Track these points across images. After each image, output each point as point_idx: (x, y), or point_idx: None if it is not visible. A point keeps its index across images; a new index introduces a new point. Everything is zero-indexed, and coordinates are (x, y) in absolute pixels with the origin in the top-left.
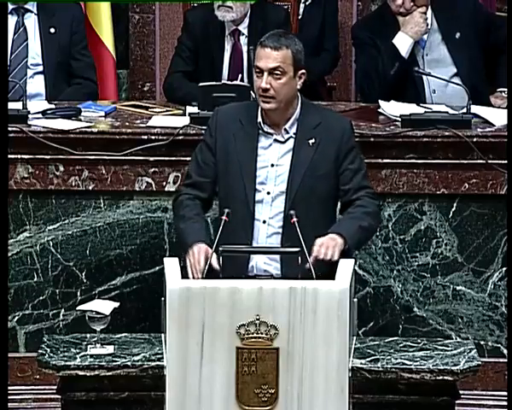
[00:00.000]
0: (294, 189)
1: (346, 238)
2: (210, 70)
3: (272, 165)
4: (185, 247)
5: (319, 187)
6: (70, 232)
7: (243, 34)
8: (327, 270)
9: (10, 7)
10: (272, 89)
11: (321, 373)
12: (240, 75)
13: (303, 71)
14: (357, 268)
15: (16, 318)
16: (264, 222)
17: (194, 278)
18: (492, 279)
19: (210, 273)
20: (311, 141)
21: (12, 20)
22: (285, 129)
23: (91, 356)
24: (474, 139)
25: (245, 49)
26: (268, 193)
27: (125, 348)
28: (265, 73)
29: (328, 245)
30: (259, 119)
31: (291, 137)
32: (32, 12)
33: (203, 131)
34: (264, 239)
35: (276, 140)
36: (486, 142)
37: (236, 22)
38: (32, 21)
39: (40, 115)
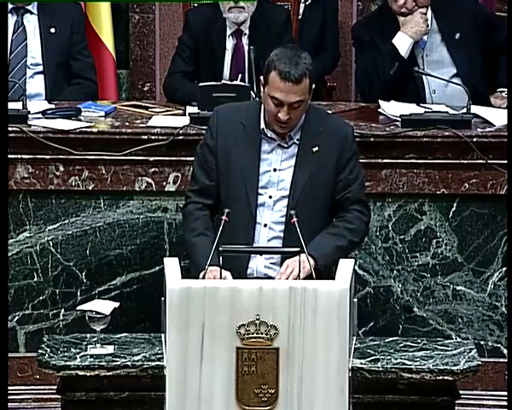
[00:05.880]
0: (297, 194)
1: (317, 260)
2: (211, 70)
3: (275, 170)
4: (197, 266)
5: (320, 194)
6: (70, 232)
7: (245, 34)
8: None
9: (10, 6)
10: (291, 118)
11: (321, 373)
12: (240, 75)
13: (314, 85)
14: (357, 268)
15: (16, 318)
16: (266, 226)
17: None
18: (492, 279)
19: None
20: (315, 149)
21: (11, 20)
22: (289, 135)
23: (91, 356)
24: (474, 139)
25: (247, 48)
26: (270, 197)
27: (125, 348)
28: (286, 107)
29: (293, 267)
30: (262, 125)
31: (294, 143)
32: (31, 12)
33: (203, 131)
34: (265, 243)
35: (279, 145)
36: (486, 142)
37: (239, 22)
38: (31, 21)
39: (40, 115)
